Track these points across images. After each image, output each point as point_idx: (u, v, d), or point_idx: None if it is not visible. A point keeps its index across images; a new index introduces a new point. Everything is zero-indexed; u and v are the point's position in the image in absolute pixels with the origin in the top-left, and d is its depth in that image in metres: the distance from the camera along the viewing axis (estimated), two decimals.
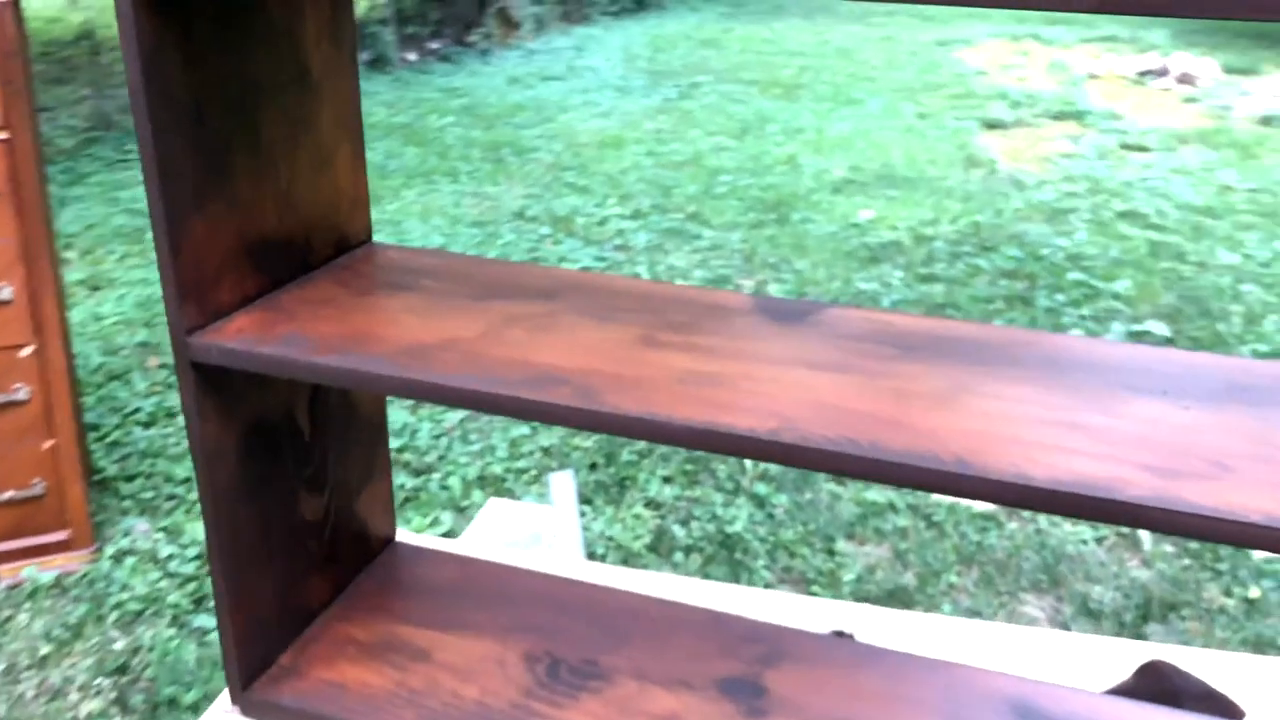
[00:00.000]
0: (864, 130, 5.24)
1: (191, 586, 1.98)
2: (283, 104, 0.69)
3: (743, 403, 0.60)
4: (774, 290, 3.31)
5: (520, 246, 3.65)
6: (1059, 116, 5.49)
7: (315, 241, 0.75)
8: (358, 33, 0.69)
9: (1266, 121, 5.41)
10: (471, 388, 0.59)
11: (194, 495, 2.26)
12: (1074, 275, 3.50)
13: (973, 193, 4.36)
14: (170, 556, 2.05)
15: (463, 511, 2.19)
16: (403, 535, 0.91)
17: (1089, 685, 0.85)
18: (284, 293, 0.71)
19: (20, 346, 1.89)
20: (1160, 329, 3.10)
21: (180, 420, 2.50)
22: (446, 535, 2.04)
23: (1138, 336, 3.04)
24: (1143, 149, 4.94)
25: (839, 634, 0.90)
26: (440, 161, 4.64)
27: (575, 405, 0.57)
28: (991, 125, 5.34)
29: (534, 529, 1.26)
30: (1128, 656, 0.91)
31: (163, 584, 1.99)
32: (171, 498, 2.25)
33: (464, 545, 1.01)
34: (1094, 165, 4.71)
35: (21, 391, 1.90)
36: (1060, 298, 3.33)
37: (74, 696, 1.73)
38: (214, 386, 0.67)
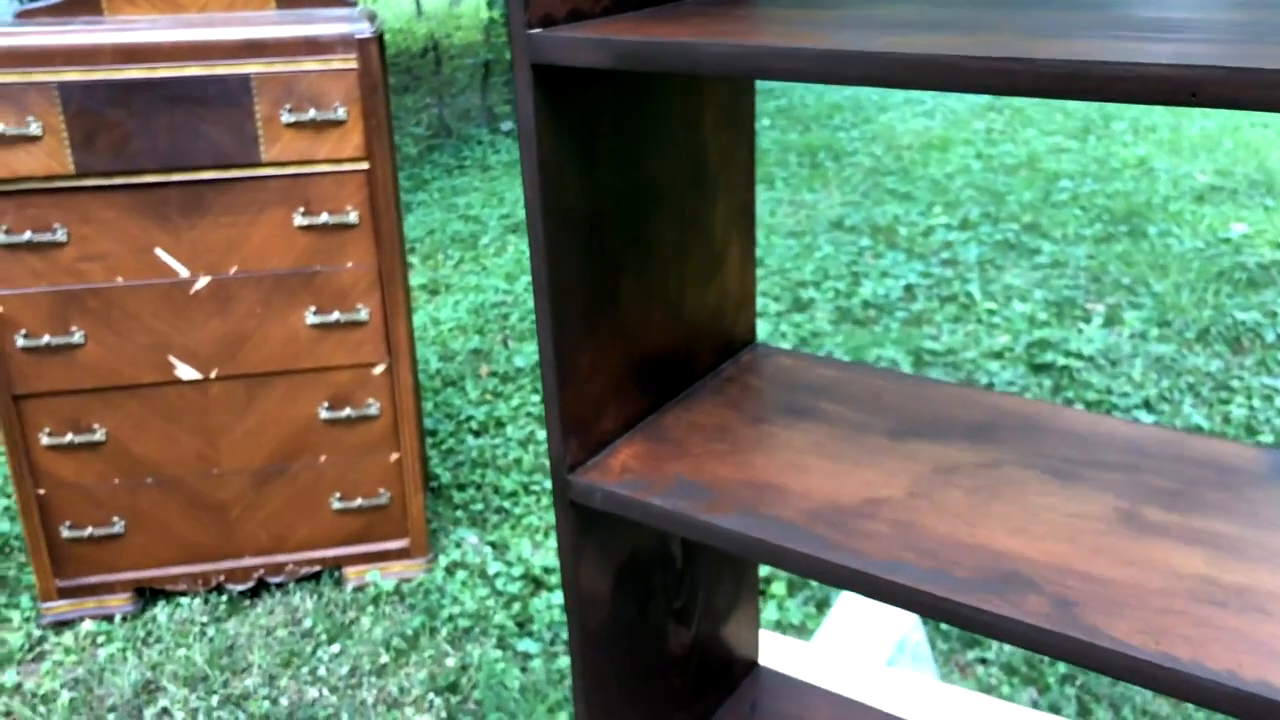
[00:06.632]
0: (1231, 126, 4.64)
1: (516, 608, 2.01)
2: (676, 206, 0.60)
3: None
4: (1130, 318, 2.96)
5: (839, 260, 3.50)
6: None
7: (699, 351, 0.66)
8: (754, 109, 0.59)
9: None
10: (906, 582, 0.48)
11: (519, 510, 2.31)
12: None
13: None
14: (497, 574, 2.10)
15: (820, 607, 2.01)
16: (766, 657, 0.82)
17: None
18: (667, 414, 0.63)
19: (373, 364, 1.99)
20: None
21: (509, 431, 2.58)
22: (797, 628, 1.90)
23: None
24: None
25: None
26: (756, 168, 4.58)
27: (1051, 628, 0.43)
28: None
29: (895, 635, 1.13)
30: None
31: (490, 602, 2.03)
32: (499, 510, 2.31)
33: (829, 668, 0.90)
34: None
35: (373, 407, 2.00)
36: None
37: (409, 710, 1.80)
38: (594, 526, 0.59)
